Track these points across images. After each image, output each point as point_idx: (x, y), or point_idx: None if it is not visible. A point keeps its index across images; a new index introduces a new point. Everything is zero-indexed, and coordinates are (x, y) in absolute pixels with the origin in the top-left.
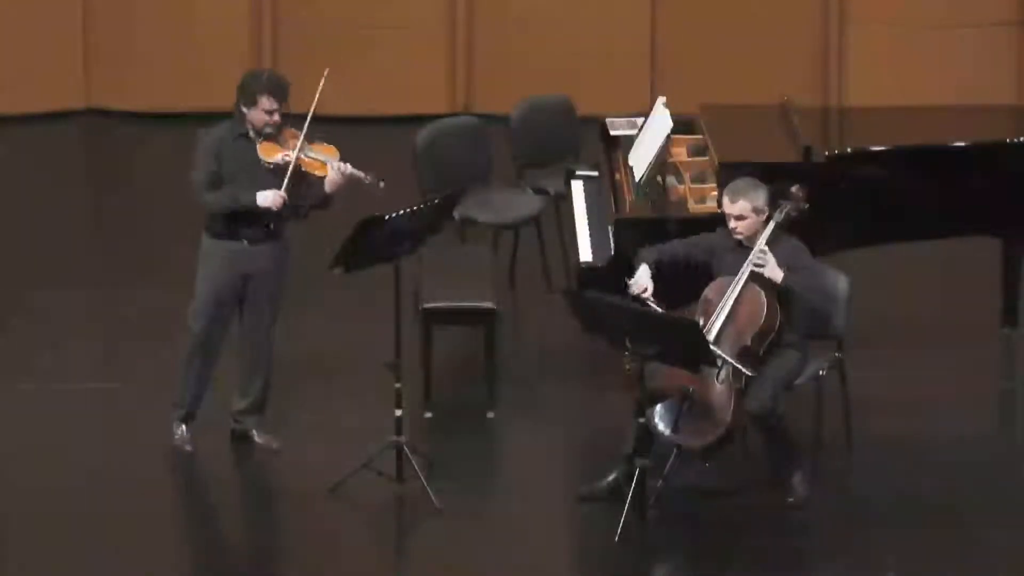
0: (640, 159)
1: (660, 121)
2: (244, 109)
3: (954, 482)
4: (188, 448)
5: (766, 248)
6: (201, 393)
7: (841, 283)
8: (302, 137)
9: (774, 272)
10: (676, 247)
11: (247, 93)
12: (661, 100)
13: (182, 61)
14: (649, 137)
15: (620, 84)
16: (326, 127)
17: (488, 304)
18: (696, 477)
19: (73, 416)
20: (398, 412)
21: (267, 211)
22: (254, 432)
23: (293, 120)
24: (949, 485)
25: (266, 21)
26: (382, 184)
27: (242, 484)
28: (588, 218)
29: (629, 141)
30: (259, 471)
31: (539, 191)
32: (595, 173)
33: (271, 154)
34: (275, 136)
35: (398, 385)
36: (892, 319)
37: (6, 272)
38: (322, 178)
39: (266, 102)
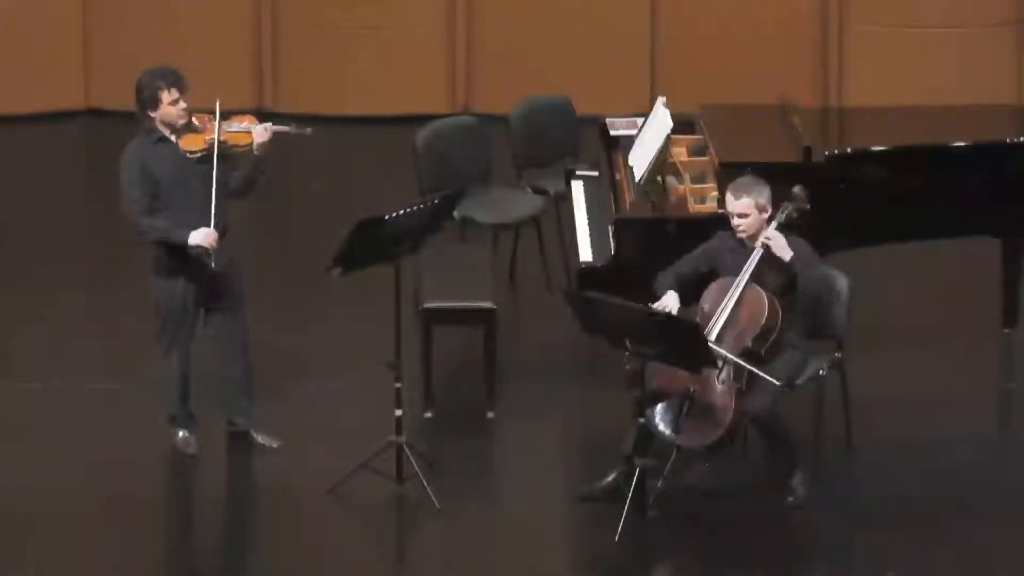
0: (640, 159)
1: (660, 121)
2: (152, 113)
3: (954, 482)
4: (191, 451)
5: (774, 232)
6: (188, 400)
7: (841, 283)
8: (217, 117)
9: (783, 251)
10: (684, 266)
11: (148, 96)
12: (661, 100)
13: (182, 61)
14: (649, 137)
15: (620, 84)
16: (327, 127)
17: (488, 304)
18: (696, 477)
19: (73, 416)
20: (398, 412)
21: (201, 248)
22: (252, 431)
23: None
24: (949, 485)
25: (266, 21)
26: (309, 131)
27: (242, 484)
28: (588, 218)
29: (629, 141)
30: (259, 471)
31: (539, 191)
32: (595, 173)
33: (194, 144)
34: (190, 127)
35: (398, 385)
36: (892, 319)
37: (6, 272)
38: (249, 146)
39: (168, 95)
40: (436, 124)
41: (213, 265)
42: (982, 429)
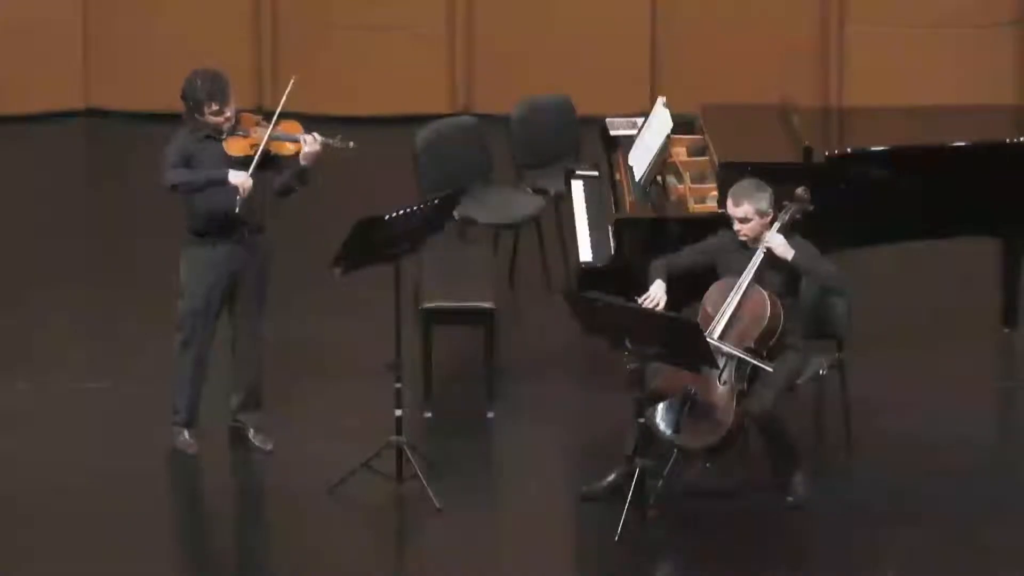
0: (640, 159)
1: (660, 121)
2: (197, 116)
3: (954, 482)
4: (191, 451)
5: (774, 234)
6: (197, 398)
7: None
8: (270, 126)
9: (785, 251)
10: (683, 257)
11: (191, 105)
12: (661, 100)
13: (181, 61)
14: (649, 137)
15: (620, 84)
16: (327, 127)
17: (488, 304)
18: (696, 477)
19: (73, 416)
20: (398, 412)
21: (234, 189)
22: (250, 432)
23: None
24: (949, 485)
25: (266, 21)
26: (352, 144)
27: (242, 484)
28: (588, 218)
29: (629, 141)
30: (259, 471)
31: (539, 191)
32: (595, 173)
33: (238, 150)
34: (237, 129)
35: (398, 385)
36: (892, 319)
37: (5, 272)
38: (295, 155)
39: (208, 108)
40: (436, 124)
41: (237, 209)
42: (982, 429)
